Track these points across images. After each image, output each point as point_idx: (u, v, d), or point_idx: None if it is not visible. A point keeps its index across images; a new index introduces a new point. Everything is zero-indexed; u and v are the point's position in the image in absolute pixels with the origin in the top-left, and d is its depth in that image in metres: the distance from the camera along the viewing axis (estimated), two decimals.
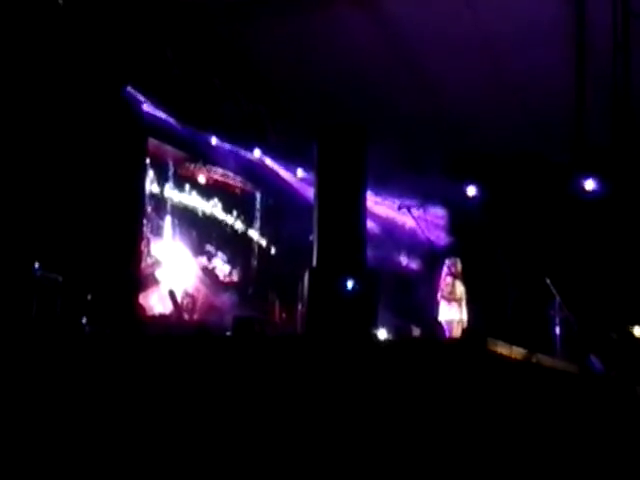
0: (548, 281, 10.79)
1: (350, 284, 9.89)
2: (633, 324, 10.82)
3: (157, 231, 13.11)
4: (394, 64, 13.33)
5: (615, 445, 7.99)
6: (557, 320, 10.81)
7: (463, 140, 14.14)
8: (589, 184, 12.77)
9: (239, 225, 14.66)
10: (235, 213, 14.58)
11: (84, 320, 10.23)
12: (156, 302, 12.55)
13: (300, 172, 14.48)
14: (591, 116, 11.21)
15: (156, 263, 12.95)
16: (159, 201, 13.23)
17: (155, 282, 12.83)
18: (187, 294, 13.15)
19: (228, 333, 9.40)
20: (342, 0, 12.53)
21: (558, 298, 10.78)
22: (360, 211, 10.82)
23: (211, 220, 14.12)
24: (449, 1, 12.13)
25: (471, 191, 13.96)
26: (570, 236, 13.18)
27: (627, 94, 11.25)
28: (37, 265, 9.91)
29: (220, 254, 14.16)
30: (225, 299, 13.18)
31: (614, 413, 8.45)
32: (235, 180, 14.56)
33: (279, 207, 14.98)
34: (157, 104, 12.67)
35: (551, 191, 13.34)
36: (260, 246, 14.96)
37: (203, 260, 13.86)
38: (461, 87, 13.46)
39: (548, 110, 13.26)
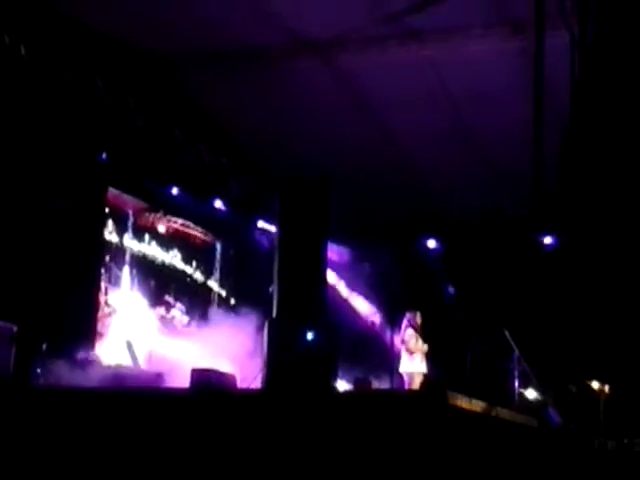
0: (507, 334, 10.85)
1: (310, 336, 9.85)
2: (591, 378, 10.88)
3: (115, 281, 13.00)
4: (356, 118, 13.48)
5: None
6: (516, 373, 10.84)
7: (423, 194, 14.29)
8: (547, 239, 12.92)
9: (198, 275, 14.59)
10: (195, 263, 14.51)
11: (38, 371, 10.07)
12: (113, 352, 12.39)
13: (261, 223, 14.48)
14: (551, 171, 11.39)
15: (114, 313, 12.82)
16: (118, 251, 13.14)
17: (112, 332, 12.68)
18: (145, 344, 12.98)
19: (186, 385, 9.26)
20: (304, 54, 12.67)
21: (517, 351, 10.83)
22: (321, 263, 10.82)
23: (170, 270, 14.04)
24: (411, 59, 12.34)
25: (430, 244, 14.06)
26: (529, 290, 13.30)
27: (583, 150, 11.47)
28: None
29: (179, 304, 14.05)
30: (183, 350, 13.04)
31: (572, 466, 8.45)
32: (195, 230, 14.52)
33: (239, 258, 14.95)
34: (118, 154, 12.65)
35: (509, 245, 13.47)
36: (220, 296, 14.87)
37: (161, 310, 13.74)
38: (422, 143, 13.63)
39: (507, 165, 13.46)
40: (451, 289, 13.93)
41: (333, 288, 13.51)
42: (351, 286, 14.51)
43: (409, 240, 14.19)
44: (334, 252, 13.62)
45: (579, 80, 10.47)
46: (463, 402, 7.69)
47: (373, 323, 14.33)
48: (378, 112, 13.47)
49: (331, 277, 13.17)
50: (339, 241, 13.61)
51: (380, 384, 11.00)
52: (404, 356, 11.59)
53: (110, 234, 13.01)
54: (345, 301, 14.41)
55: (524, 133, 11.20)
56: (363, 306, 14.63)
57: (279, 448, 7.63)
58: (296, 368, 9.55)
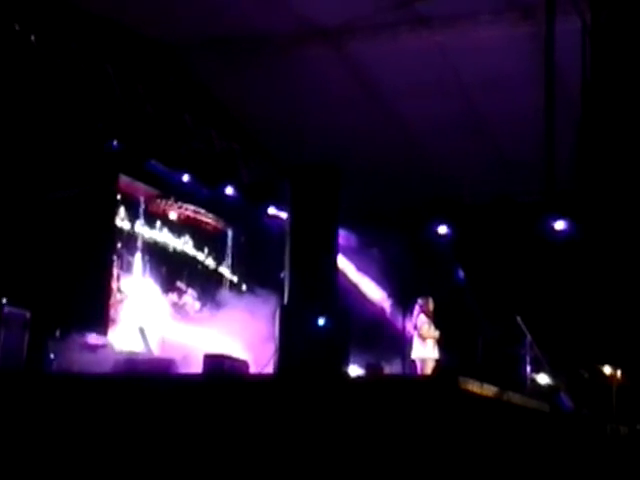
0: (519, 319, 10.85)
1: (321, 322, 9.87)
2: (603, 362, 10.87)
3: (127, 267, 13.05)
4: (365, 105, 13.47)
5: None
6: (528, 358, 10.84)
7: (433, 180, 14.26)
8: (559, 225, 12.90)
9: (210, 262, 14.62)
10: (206, 250, 14.54)
11: (52, 356, 10.13)
12: (126, 339, 12.44)
13: (272, 210, 14.49)
14: (561, 158, 11.37)
15: (126, 299, 12.87)
16: (130, 237, 13.18)
17: (125, 319, 12.74)
18: (157, 330, 13.04)
19: (198, 371, 9.31)
20: (313, 41, 12.66)
21: (529, 336, 10.83)
22: (332, 249, 10.84)
23: (182, 257, 14.07)
24: (421, 46, 12.32)
25: (442, 230, 14.06)
26: (540, 275, 13.28)
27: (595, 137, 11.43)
28: (4, 300, 9.81)
29: (191, 291, 14.09)
30: (195, 336, 13.10)
31: (585, 452, 8.46)
32: (207, 217, 14.55)
33: (251, 244, 14.98)
34: (129, 141, 12.68)
35: (521, 231, 13.46)
36: (231, 283, 14.91)
37: (173, 297, 13.79)
38: (432, 130, 13.61)
39: (518, 151, 13.43)
40: (462, 275, 13.93)
41: (342, 273, 13.53)
42: (361, 271, 14.52)
43: (420, 226, 14.18)
44: (341, 237, 13.64)
45: (591, 67, 10.43)
46: (475, 387, 7.70)
47: (383, 309, 14.34)
48: (388, 99, 13.46)
49: (340, 262, 13.20)
50: (348, 226, 13.61)
51: (392, 369, 11.02)
52: (416, 342, 11.60)
53: (122, 221, 13.05)
54: (355, 286, 14.42)
55: (535, 119, 11.18)
56: (373, 291, 14.65)
57: (291, 433, 7.66)
58: (308, 353, 9.58)
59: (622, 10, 10.69)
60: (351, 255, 13.97)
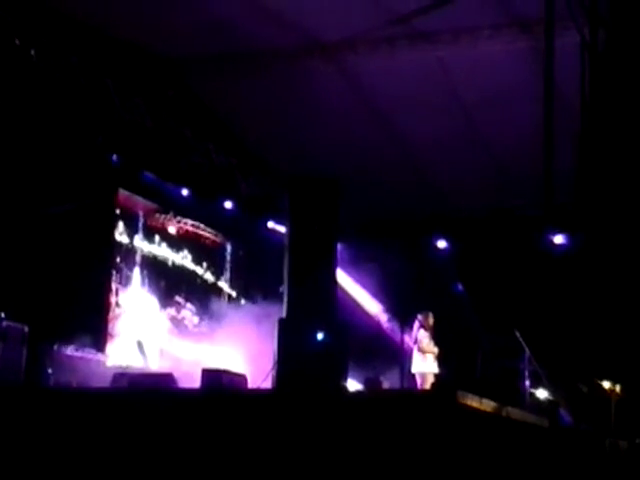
0: (518, 334, 10.84)
1: (320, 336, 9.86)
2: (602, 377, 10.86)
3: (126, 282, 13.06)
4: (365, 119, 13.49)
5: None
6: (526, 373, 10.83)
7: (433, 194, 14.28)
8: (557, 238, 12.91)
9: (209, 276, 14.64)
10: (205, 264, 14.56)
11: (50, 371, 10.12)
12: (124, 353, 12.43)
13: (271, 223, 14.51)
14: (560, 171, 11.38)
15: (124, 313, 12.87)
16: (129, 252, 13.20)
17: (123, 333, 12.73)
18: (155, 344, 13.03)
19: (196, 385, 9.29)
20: (313, 55, 12.69)
21: (527, 351, 10.82)
22: (331, 263, 10.84)
23: (181, 271, 14.09)
24: (420, 60, 12.35)
25: (441, 244, 14.06)
26: (539, 289, 13.27)
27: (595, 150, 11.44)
28: (2, 315, 9.80)
29: (189, 305, 14.11)
30: (194, 350, 13.10)
31: (584, 466, 8.43)
32: (205, 231, 14.58)
33: (249, 258, 14.99)
34: (128, 155, 12.70)
35: (520, 245, 13.46)
36: (230, 297, 14.91)
37: (172, 311, 13.80)
38: (431, 143, 13.63)
39: (517, 166, 13.44)
40: (461, 288, 13.94)
41: (339, 286, 13.53)
42: (358, 284, 14.53)
43: (419, 240, 14.19)
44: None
45: (590, 82, 10.45)
46: (473, 402, 7.68)
47: (379, 322, 14.35)
48: (387, 112, 13.48)
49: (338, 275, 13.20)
50: (346, 240, 13.61)
51: (390, 384, 11.00)
52: (417, 356, 11.59)
53: (121, 235, 13.07)
54: (353, 299, 14.42)
55: (534, 133, 11.18)
56: (370, 304, 14.65)
57: (289, 448, 7.65)
58: (306, 368, 9.57)
59: (620, 25, 10.72)
60: (348, 268, 13.97)
